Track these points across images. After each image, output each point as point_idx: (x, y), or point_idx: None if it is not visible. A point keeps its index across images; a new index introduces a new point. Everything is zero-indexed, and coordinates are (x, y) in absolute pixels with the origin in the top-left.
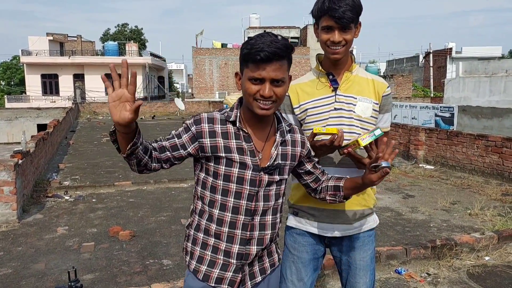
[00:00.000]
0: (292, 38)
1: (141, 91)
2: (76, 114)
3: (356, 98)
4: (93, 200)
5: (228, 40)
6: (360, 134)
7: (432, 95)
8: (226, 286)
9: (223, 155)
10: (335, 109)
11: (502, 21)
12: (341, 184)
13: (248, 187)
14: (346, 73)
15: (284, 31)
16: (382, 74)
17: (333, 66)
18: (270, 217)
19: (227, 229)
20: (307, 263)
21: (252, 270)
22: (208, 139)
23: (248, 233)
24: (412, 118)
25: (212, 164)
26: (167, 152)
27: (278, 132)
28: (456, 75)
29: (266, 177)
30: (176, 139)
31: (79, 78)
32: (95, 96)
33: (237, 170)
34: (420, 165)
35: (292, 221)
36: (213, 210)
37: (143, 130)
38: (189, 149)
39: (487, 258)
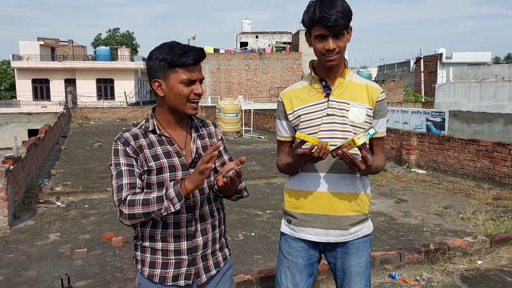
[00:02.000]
0: (284, 43)
1: (133, 96)
2: (67, 119)
3: (349, 104)
4: (86, 206)
5: (220, 45)
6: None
7: (423, 100)
8: (183, 281)
9: (153, 163)
10: (328, 115)
11: (490, 28)
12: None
13: None
14: (339, 79)
15: (276, 36)
16: (373, 79)
17: (326, 72)
18: (207, 207)
19: (172, 230)
20: (302, 268)
21: (207, 264)
22: (140, 154)
23: (193, 228)
24: (404, 123)
25: (145, 176)
26: (140, 181)
27: (193, 128)
28: (447, 80)
29: None
30: (132, 168)
31: (70, 83)
32: (87, 101)
33: (168, 174)
34: (413, 169)
35: (286, 228)
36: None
37: None
38: (141, 167)
39: (479, 262)
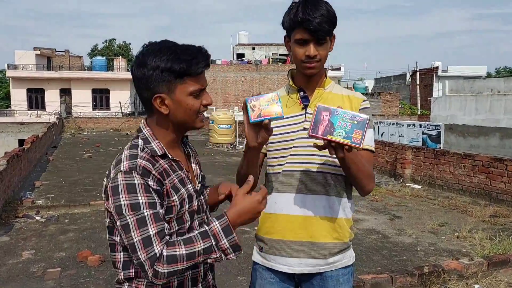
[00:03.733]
0: (280, 55)
1: (128, 106)
2: (60, 129)
3: None
4: (66, 220)
5: (216, 56)
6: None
7: (419, 113)
8: None
9: (175, 197)
10: (305, 129)
11: (485, 42)
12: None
13: (195, 217)
14: (318, 90)
15: (273, 48)
16: (369, 91)
17: (305, 82)
18: None
19: (190, 272)
20: None
21: None
22: (165, 185)
23: (208, 264)
24: (399, 136)
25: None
26: (167, 225)
27: (187, 145)
28: (443, 93)
29: (202, 198)
30: (156, 210)
31: (65, 92)
32: (82, 111)
33: (187, 207)
34: (407, 184)
35: (257, 257)
36: None
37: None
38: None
39: (476, 286)
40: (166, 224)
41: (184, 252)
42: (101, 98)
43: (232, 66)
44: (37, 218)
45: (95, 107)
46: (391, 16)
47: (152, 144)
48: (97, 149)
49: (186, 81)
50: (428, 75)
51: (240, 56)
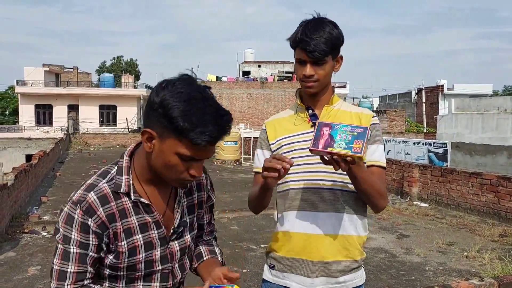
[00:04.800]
0: (286, 72)
1: (135, 122)
2: (67, 145)
3: None
4: None
5: (223, 73)
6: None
7: (425, 130)
8: None
9: (124, 243)
10: None
11: (490, 61)
12: (204, 258)
13: (160, 268)
14: (326, 107)
15: (278, 66)
16: (375, 109)
17: (312, 101)
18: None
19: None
20: None
21: None
22: (110, 228)
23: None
24: (406, 154)
25: (111, 258)
26: (93, 269)
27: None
28: (449, 111)
29: (176, 246)
30: (86, 252)
31: (73, 109)
32: (89, 127)
33: (143, 255)
34: (415, 202)
35: (268, 275)
36: None
37: None
38: (105, 249)
39: None
40: (90, 268)
41: None
42: (108, 114)
43: (238, 83)
44: (43, 233)
45: (102, 123)
46: (396, 34)
47: (122, 178)
48: (103, 165)
49: (181, 140)
50: (433, 93)
51: (246, 73)
